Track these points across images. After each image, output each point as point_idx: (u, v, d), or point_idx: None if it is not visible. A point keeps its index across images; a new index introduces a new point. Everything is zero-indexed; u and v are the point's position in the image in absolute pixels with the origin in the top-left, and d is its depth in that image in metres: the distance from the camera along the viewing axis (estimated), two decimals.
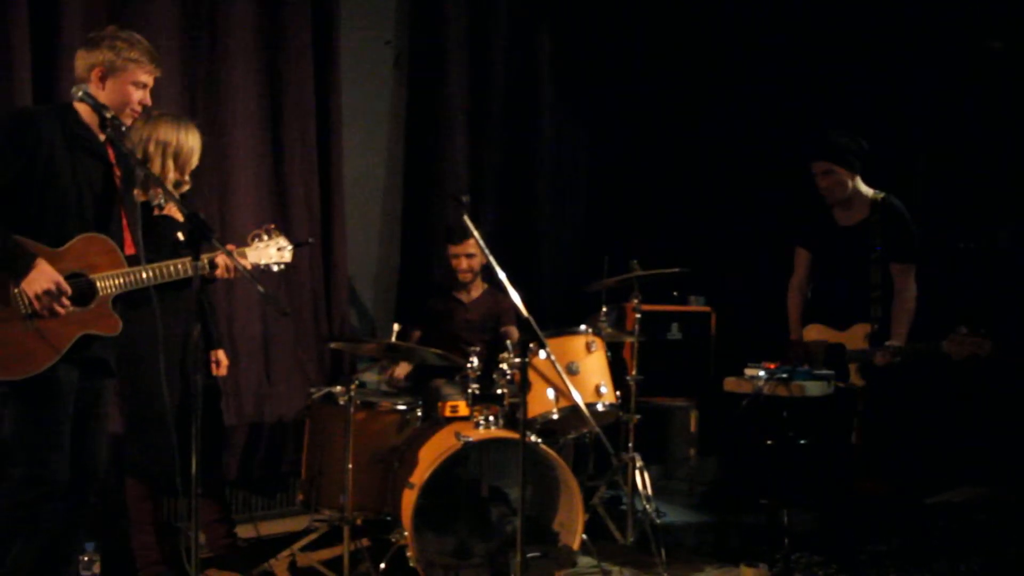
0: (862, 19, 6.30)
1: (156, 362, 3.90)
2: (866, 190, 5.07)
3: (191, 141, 4.40)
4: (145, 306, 3.89)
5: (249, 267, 3.97)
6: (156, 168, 4.33)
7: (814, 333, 5.20)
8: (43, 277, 3.32)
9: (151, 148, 4.33)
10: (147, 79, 3.62)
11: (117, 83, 3.56)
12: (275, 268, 4.05)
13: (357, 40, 6.01)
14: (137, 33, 3.70)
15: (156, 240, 4.11)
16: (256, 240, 4.02)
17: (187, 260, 3.60)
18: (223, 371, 4.77)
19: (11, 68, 4.58)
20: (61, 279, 3.36)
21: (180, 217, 4.24)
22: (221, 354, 4.75)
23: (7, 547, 3.50)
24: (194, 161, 4.44)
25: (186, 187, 4.46)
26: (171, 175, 4.36)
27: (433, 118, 6.32)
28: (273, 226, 4.10)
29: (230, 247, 3.94)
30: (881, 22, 6.24)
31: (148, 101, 3.68)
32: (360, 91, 6.06)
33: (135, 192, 4.20)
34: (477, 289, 5.58)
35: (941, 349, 4.64)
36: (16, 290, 3.34)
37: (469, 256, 5.42)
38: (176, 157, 4.36)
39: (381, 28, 6.27)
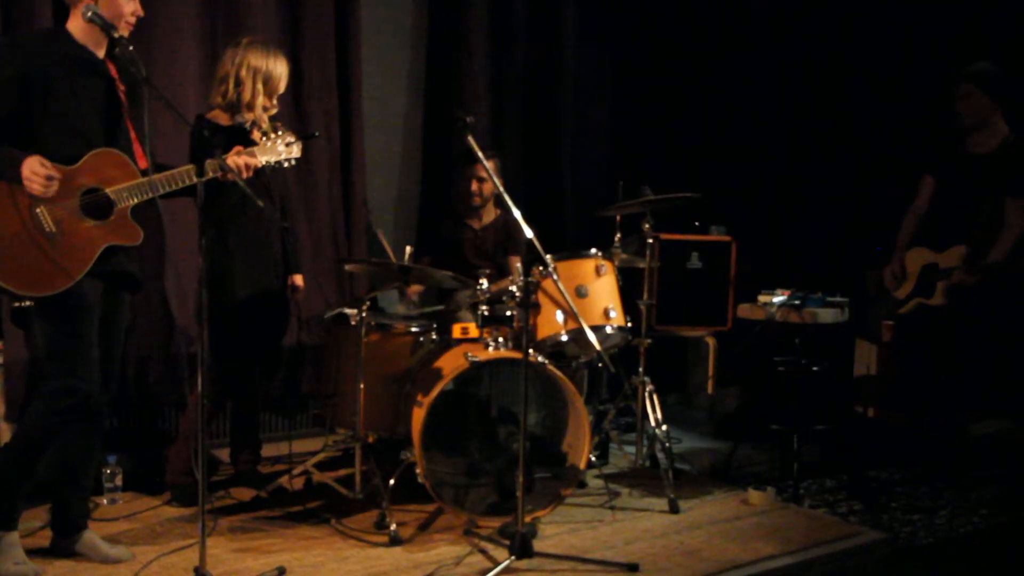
0: None
1: (236, 285, 4.25)
2: (1003, 126, 5.10)
3: (280, 68, 4.51)
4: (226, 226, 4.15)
5: (260, 164, 4.01)
6: (247, 93, 4.43)
7: (914, 255, 5.26)
8: (25, 166, 3.36)
9: (243, 73, 4.43)
10: None
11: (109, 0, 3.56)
12: (286, 164, 4.08)
13: None
14: None
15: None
16: (264, 138, 4.07)
17: (184, 168, 3.68)
18: (298, 295, 4.86)
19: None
20: (40, 158, 3.37)
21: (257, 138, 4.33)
22: (298, 278, 4.84)
23: (40, 455, 3.64)
24: (281, 87, 4.54)
25: (273, 111, 4.56)
26: (260, 99, 4.46)
27: (455, 41, 6.30)
28: (279, 123, 4.15)
29: (237, 148, 4.00)
30: None
31: (140, 11, 3.68)
32: (380, 12, 6.07)
33: (219, 116, 4.37)
34: (489, 215, 5.59)
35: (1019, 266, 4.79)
36: (39, 209, 3.42)
37: (480, 179, 5.44)
38: (266, 83, 4.46)
39: None
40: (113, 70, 3.68)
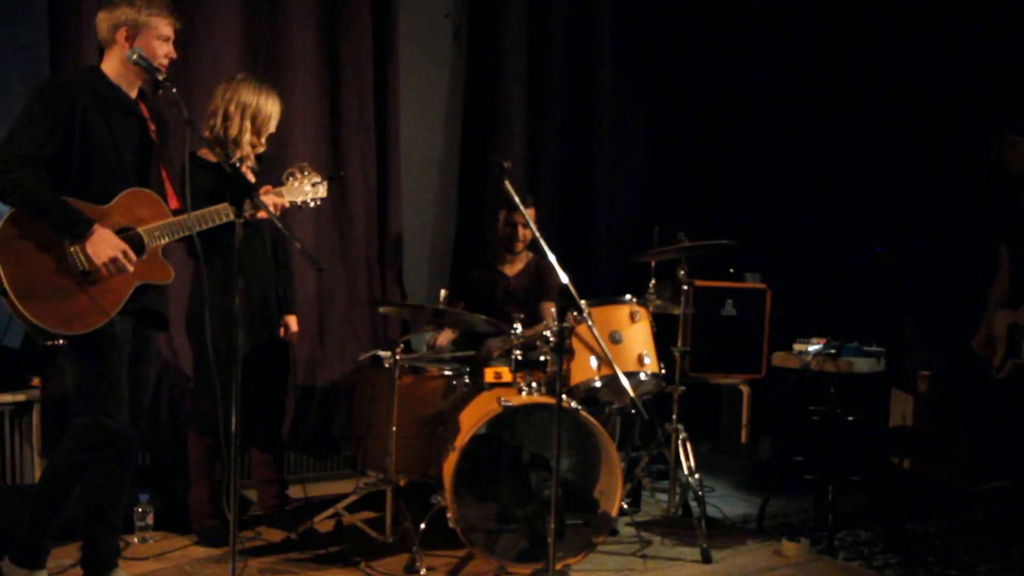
0: None
1: (221, 320, 4.11)
2: None
3: (270, 106, 4.51)
4: (215, 263, 4.05)
5: (287, 205, 4.02)
6: (234, 129, 4.44)
7: (1000, 318, 5.15)
8: (106, 245, 3.45)
9: (231, 109, 4.44)
10: (169, 31, 3.68)
11: (143, 40, 3.61)
12: (311, 204, 4.10)
13: (416, 11, 6.08)
14: None
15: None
16: (290, 179, 4.08)
17: (221, 206, 3.71)
18: (291, 337, 4.85)
19: (80, 35, 4.75)
20: (123, 244, 3.48)
21: (252, 177, 4.34)
22: (292, 320, 4.83)
23: (69, 493, 3.66)
24: (271, 125, 4.54)
25: (260, 149, 4.56)
26: (247, 136, 4.47)
27: (491, 90, 6.35)
28: (305, 164, 4.16)
29: (266, 188, 4.01)
30: None
31: (173, 54, 3.72)
32: (419, 62, 6.13)
33: (205, 152, 4.35)
34: (521, 261, 5.58)
35: None
36: (72, 248, 3.45)
37: (526, 225, 5.44)
38: (254, 119, 4.47)
39: (440, 0, 6.32)
40: (144, 110, 3.73)
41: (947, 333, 5.61)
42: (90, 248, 3.44)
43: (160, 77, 3.57)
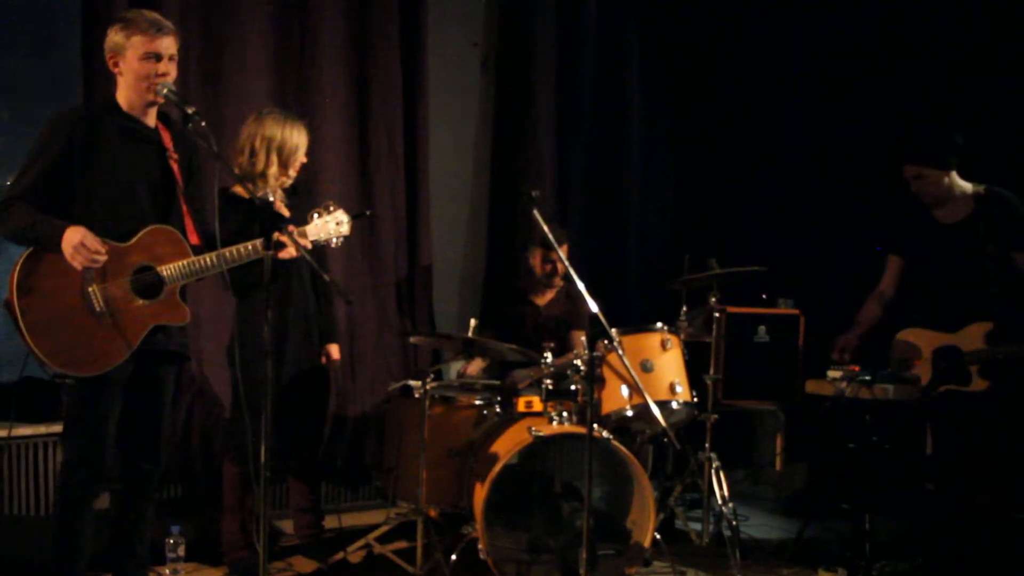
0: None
1: (262, 352, 4.09)
2: (965, 185, 4.75)
3: (295, 138, 4.51)
4: (253, 295, 4.02)
5: (310, 246, 3.94)
6: (260, 163, 4.44)
7: (917, 337, 4.89)
8: (68, 243, 3.35)
9: (257, 143, 4.44)
10: (158, 48, 3.51)
11: (127, 63, 3.53)
12: (335, 243, 4.01)
13: (445, 41, 6.11)
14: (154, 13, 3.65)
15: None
16: (315, 217, 4.06)
17: (250, 243, 3.66)
18: (334, 364, 4.84)
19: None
20: (86, 231, 3.37)
21: (286, 211, 4.35)
22: (333, 348, 4.83)
23: (76, 527, 3.63)
24: (298, 157, 4.54)
25: (289, 182, 4.56)
26: (273, 169, 4.46)
27: (521, 119, 6.36)
28: (331, 201, 4.12)
29: (291, 228, 3.99)
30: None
31: (171, 70, 3.57)
32: (448, 91, 6.15)
33: (238, 188, 4.34)
34: (552, 290, 5.59)
35: None
36: (91, 288, 3.43)
37: (561, 260, 5.41)
38: (280, 152, 4.46)
39: (469, 30, 6.36)
40: (167, 139, 3.67)
41: None
42: (63, 251, 3.36)
43: (190, 110, 3.48)
